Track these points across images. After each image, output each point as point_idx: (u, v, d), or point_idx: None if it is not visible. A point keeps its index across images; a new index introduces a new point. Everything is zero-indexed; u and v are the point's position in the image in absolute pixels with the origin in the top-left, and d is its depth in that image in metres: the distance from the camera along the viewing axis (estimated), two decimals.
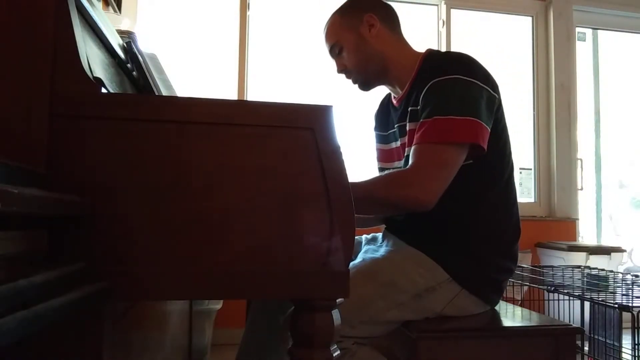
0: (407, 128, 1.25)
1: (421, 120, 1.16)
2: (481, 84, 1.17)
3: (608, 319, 1.91)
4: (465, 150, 1.14)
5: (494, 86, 1.21)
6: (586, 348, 1.98)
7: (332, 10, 1.37)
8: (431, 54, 1.31)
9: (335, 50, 1.33)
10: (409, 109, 1.24)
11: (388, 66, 1.32)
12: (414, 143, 1.16)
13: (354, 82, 1.37)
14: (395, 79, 1.33)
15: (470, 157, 1.16)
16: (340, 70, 1.37)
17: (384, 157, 1.44)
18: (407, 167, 1.15)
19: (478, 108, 1.14)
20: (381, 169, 1.45)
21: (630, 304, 1.70)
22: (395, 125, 1.35)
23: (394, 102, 1.38)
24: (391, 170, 1.25)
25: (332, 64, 1.39)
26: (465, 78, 1.16)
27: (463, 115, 1.12)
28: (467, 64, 1.21)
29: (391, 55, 1.31)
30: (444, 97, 1.15)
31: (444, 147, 1.12)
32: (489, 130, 1.16)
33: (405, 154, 1.26)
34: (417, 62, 1.30)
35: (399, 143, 1.34)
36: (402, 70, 1.31)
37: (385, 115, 1.44)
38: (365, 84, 1.37)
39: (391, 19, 1.35)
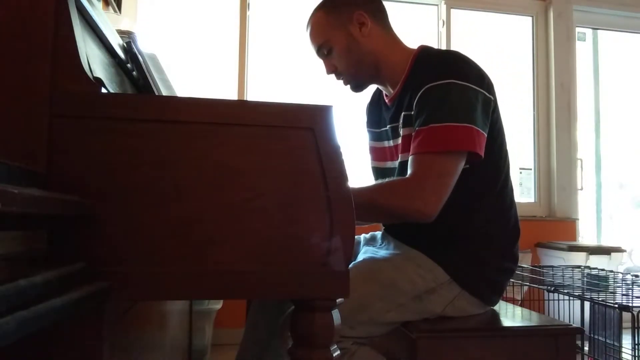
0: (401, 133, 1.23)
1: (417, 128, 1.13)
2: (476, 88, 1.14)
3: (608, 319, 1.91)
4: (463, 158, 1.12)
5: (489, 87, 1.18)
6: (586, 348, 1.98)
7: None
8: (424, 52, 1.27)
9: (324, 50, 1.27)
10: (403, 113, 1.22)
11: (380, 66, 1.27)
12: (411, 152, 1.13)
13: (346, 84, 1.32)
14: (387, 78, 1.29)
15: (467, 163, 1.14)
16: (330, 71, 1.30)
17: (377, 155, 1.41)
18: (408, 177, 1.12)
19: (474, 114, 1.12)
20: (375, 169, 1.42)
21: (630, 304, 1.70)
22: (388, 126, 1.32)
23: (386, 100, 1.34)
24: (389, 179, 1.19)
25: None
26: (460, 82, 1.12)
27: (459, 122, 1.10)
28: (461, 65, 1.17)
29: (383, 54, 1.26)
30: (439, 104, 1.12)
31: (442, 157, 1.10)
32: (486, 135, 1.14)
33: (400, 160, 1.24)
34: (409, 59, 1.25)
35: (391, 143, 1.32)
36: (394, 68, 1.26)
37: (376, 112, 1.41)
38: (358, 86, 1.32)
39: (381, 14, 1.29)
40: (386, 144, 1.36)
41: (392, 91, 1.30)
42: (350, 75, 1.29)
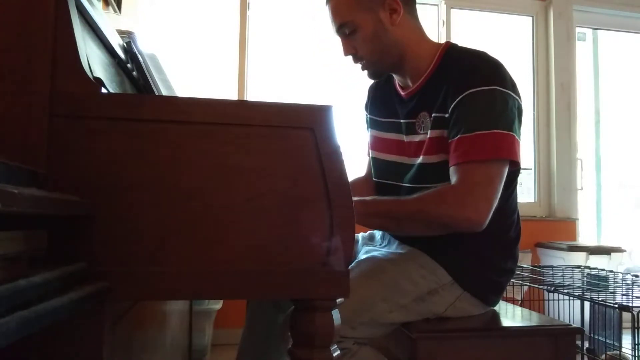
0: (428, 135, 1.17)
1: (459, 135, 1.08)
2: (514, 95, 1.12)
3: (608, 319, 1.91)
4: (507, 166, 1.09)
5: (519, 94, 1.16)
6: (586, 346, 1.99)
7: None
8: (453, 49, 1.22)
9: (346, 30, 1.18)
10: (433, 114, 1.16)
11: (405, 57, 1.21)
12: (457, 160, 1.08)
13: (364, 69, 1.25)
14: (409, 70, 1.23)
15: None
16: (348, 53, 1.22)
17: (379, 146, 1.34)
18: (456, 185, 1.08)
19: (514, 122, 1.10)
20: (376, 160, 1.35)
21: (630, 304, 1.70)
22: (402, 120, 1.26)
23: (402, 92, 1.27)
24: (434, 189, 1.11)
25: (333, 59, 1.27)
26: (502, 90, 1.10)
27: (504, 130, 1.07)
28: (502, 72, 1.13)
29: (410, 45, 1.20)
30: (484, 111, 1.08)
31: (490, 164, 1.07)
32: (520, 144, 1.13)
33: (421, 161, 1.19)
34: (436, 55, 1.21)
35: (404, 138, 1.26)
36: (418, 62, 1.21)
37: (385, 100, 1.34)
38: (377, 74, 1.27)
39: (412, 3, 1.23)
40: (394, 136, 1.30)
41: (411, 84, 1.24)
42: (371, 63, 1.22)
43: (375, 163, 1.36)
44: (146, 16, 2.83)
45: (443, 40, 3.16)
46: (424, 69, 1.21)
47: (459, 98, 1.10)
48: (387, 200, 1.15)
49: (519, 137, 1.13)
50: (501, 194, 1.13)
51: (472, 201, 1.05)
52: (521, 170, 1.21)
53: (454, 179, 1.09)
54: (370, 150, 1.39)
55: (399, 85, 1.30)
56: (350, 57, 1.24)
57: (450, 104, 1.12)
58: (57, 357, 0.62)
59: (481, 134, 1.07)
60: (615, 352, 1.88)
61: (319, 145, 0.72)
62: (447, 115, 1.13)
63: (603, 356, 1.90)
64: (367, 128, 1.41)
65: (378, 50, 1.20)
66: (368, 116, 1.40)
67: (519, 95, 1.15)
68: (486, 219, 1.06)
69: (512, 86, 1.14)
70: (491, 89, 1.09)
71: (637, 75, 3.72)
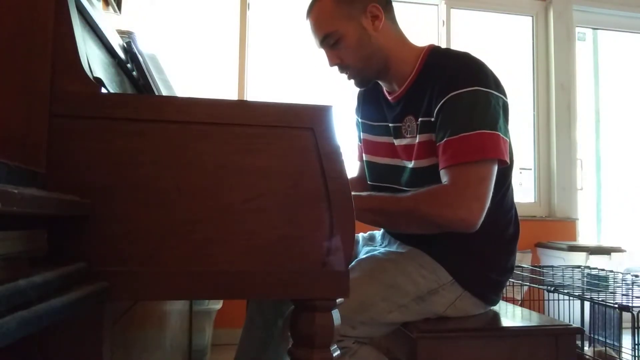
0: (417, 140, 1.18)
1: (446, 138, 1.09)
2: (498, 94, 1.12)
3: (608, 319, 1.91)
4: (496, 165, 1.10)
5: (503, 91, 1.16)
6: (586, 348, 1.98)
7: None
8: (435, 52, 1.23)
9: (330, 41, 1.19)
10: (420, 119, 1.17)
11: (390, 63, 1.22)
12: (446, 163, 1.08)
13: (350, 78, 1.26)
14: (394, 75, 1.24)
15: None
16: (334, 64, 1.23)
17: (371, 149, 1.35)
18: (448, 186, 1.08)
19: (499, 121, 1.10)
20: (369, 163, 1.36)
21: (630, 304, 1.70)
22: (391, 124, 1.28)
23: (388, 97, 1.29)
24: (427, 187, 1.10)
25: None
26: (483, 89, 1.10)
27: (488, 130, 1.08)
28: (483, 71, 1.14)
29: (393, 50, 1.22)
30: (467, 112, 1.09)
31: (479, 165, 1.07)
32: (508, 142, 1.13)
33: (413, 165, 1.19)
34: (419, 59, 1.22)
35: (394, 142, 1.27)
36: (402, 67, 1.22)
37: (374, 104, 1.35)
38: (363, 82, 1.28)
39: (391, 7, 1.25)
40: (385, 139, 1.31)
41: (397, 88, 1.26)
42: (357, 70, 1.23)
43: (369, 167, 1.37)
44: (146, 16, 2.83)
45: (443, 40, 3.19)
46: (408, 73, 1.22)
47: (443, 101, 1.11)
48: (381, 197, 1.15)
49: (506, 135, 1.12)
50: (496, 191, 1.14)
51: (464, 202, 1.06)
52: (520, 170, 1.22)
53: (444, 179, 1.10)
54: (363, 154, 1.39)
55: (387, 91, 1.31)
56: (336, 68, 1.25)
57: (435, 108, 1.13)
58: (57, 357, 0.62)
59: (466, 135, 1.07)
60: (601, 349, 1.88)
61: (319, 145, 0.72)
62: (432, 119, 1.14)
63: (590, 351, 1.91)
64: (359, 132, 1.42)
65: (364, 57, 1.21)
66: (359, 120, 1.41)
67: (503, 93, 1.15)
68: (479, 219, 1.06)
69: (495, 84, 1.14)
70: (473, 90, 1.10)
71: (637, 75, 3.72)
